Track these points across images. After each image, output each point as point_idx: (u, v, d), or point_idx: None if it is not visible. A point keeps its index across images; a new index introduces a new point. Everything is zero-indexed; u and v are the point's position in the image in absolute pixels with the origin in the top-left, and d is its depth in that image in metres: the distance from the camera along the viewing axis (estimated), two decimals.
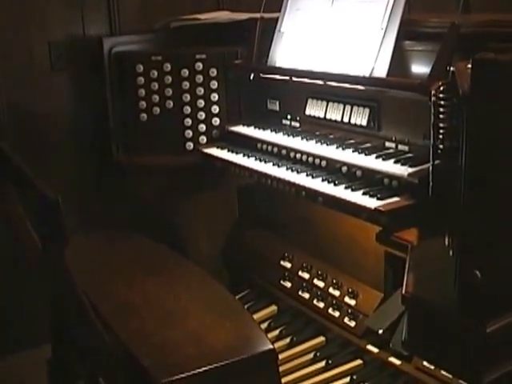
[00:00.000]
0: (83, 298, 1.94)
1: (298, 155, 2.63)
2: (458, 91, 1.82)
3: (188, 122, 3.09)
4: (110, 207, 3.32)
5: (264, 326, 3.01)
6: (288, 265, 3.09)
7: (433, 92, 2.00)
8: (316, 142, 2.60)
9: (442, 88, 1.99)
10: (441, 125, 1.96)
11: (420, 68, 2.38)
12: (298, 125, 2.90)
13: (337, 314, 2.81)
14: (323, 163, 2.52)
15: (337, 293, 2.84)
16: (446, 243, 1.93)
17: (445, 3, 3.70)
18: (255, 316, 3.03)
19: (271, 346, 2.07)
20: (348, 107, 2.59)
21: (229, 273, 3.35)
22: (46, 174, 1.91)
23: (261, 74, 2.94)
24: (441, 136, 1.97)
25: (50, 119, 3.27)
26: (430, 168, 2.02)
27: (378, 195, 2.17)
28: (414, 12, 3.48)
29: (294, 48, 2.81)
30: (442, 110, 1.97)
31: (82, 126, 3.33)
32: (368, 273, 2.72)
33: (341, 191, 2.27)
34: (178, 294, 2.39)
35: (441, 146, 1.96)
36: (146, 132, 3.13)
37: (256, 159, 2.74)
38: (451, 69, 1.98)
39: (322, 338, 2.89)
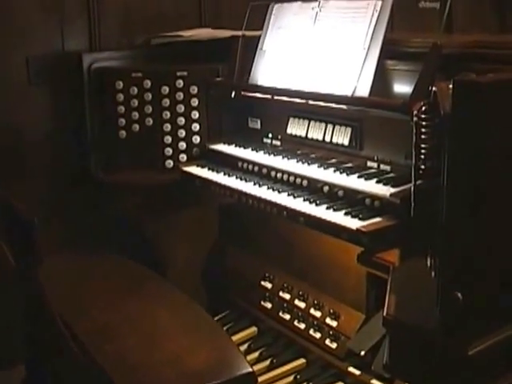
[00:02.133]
0: (58, 319, 1.92)
1: (279, 174, 2.63)
2: (439, 111, 1.84)
3: (168, 139, 3.08)
4: (87, 225, 3.29)
5: (244, 347, 3.00)
6: (269, 285, 3.09)
7: (415, 112, 2.02)
8: (297, 161, 2.61)
9: (423, 108, 2.02)
10: (422, 145, 1.98)
11: (402, 88, 2.40)
12: (279, 143, 2.91)
13: (318, 335, 2.81)
14: (305, 183, 2.52)
15: (318, 314, 2.84)
16: (428, 264, 1.94)
17: (428, 22, 3.75)
18: (235, 337, 3.02)
19: (250, 369, 2.07)
20: (330, 126, 2.61)
21: (208, 293, 3.33)
22: (21, 191, 1.90)
23: (242, 92, 2.94)
24: (422, 156, 1.99)
25: (27, 135, 3.25)
26: (412, 188, 2.03)
27: (360, 215, 2.18)
28: (397, 31, 3.52)
29: (276, 66, 2.82)
30: (423, 130, 1.99)
31: (59, 143, 3.31)
32: (350, 294, 2.72)
33: (322, 211, 2.28)
34: (156, 316, 2.38)
35: (422, 166, 1.98)
36: (125, 149, 3.12)
37: (237, 178, 2.74)
38: (433, 89, 2.01)
39: (302, 360, 2.88)
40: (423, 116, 2.00)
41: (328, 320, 2.78)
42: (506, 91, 1.67)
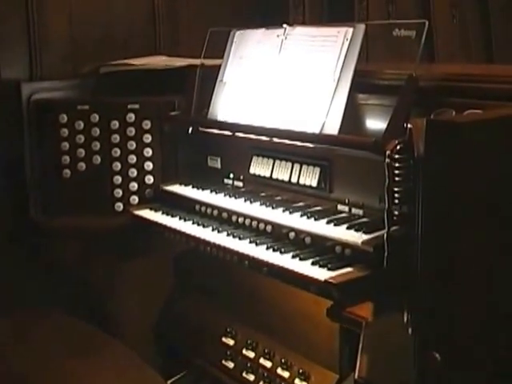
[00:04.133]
0: None
1: (241, 219, 2.65)
2: (414, 152, 1.88)
3: (118, 179, 3.10)
4: (24, 278, 3.26)
5: None
6: (231, 342, 3.08)
7: (388, 152, 2.04)
8: (261, 205, 2.64)
9: (397, 147, 2.03)
10: (396, 188, 2.01)
11: (375, 124, 2.45)
12: (241, 185, 2.93)
13: None
14: (268, 228, 2.54)
15: (286, 374, 2.83)
16: (405, 320, 1.96)
17: (407, 51, 3.81)
18: None
19: None
20: (296, 166, 2.64)
21: (162, 352, 3.31)
22: None
23: (200, 128, 2.97)
24: (396, 200, 2.02)
25: None
26: (385, 236, 2.06)
27: (329, 265, 2.19)
28: (371, 61, 3.58)
29: (238, 100, 2.86)
30: (397, 171, 2.02)
31: None
32: (321, 351, 2.73)
33: (287, 260, 2.29)
34: (104, 379, 2.36)
35: (396, 212, 2.01)
36: (69, 190, 3.13)
37: (193, 223, 2.75)
38: (408, 126, 2.03)
39: None
40: (397, 156, 2.02)
41: (297, 381, 2.77)
42: (483, 132, 1.71)
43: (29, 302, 2.94)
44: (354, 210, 2.47)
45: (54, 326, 2.76)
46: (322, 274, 2.16)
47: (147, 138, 3.09)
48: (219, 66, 2.98)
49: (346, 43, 2.51)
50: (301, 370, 2.77)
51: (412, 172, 1.95)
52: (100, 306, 3.19)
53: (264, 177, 2.78)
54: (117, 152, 3.10)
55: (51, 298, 3.03)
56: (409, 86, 2.28)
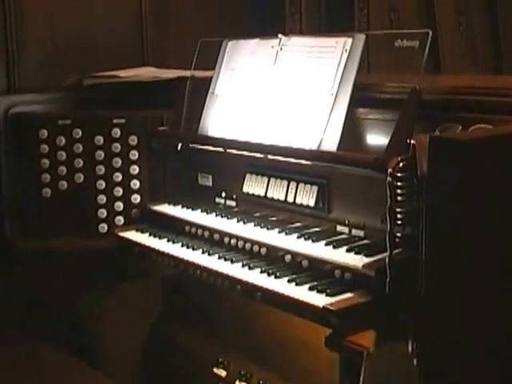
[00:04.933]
0: None
1: (234, 241, 2.66)
2: (417, 170, 1.89)
3: (102, 199, 3.10)
4: (1, 303, 3.25)
5: None
6: (223, 373, 3.07)
7: (389, 170, 2.05)
8: (255, 226, 2.65)
9: (400, 165, 2.05)
10: (398, 208, 2.02)
11: (376, 140, 2.46)
12: (234, 204, 2.94)
13: None
14: (263, 251, 2.55)
15: None
16: (410, 349, 1.96)
17: (410, 62, 3.81)
18: None
19: None
20: (293, 184, 2.65)
21: (150, 382, 3.31)
22: None
23: (190, 144, 2.98)
24: (399, 221, 2.03)
25: None
26: (387, 259, 2.06)
27: (328, 290, 2.20)
28: (372, 73, 3.59)
29: (230, 114, 2.88)
30: (399, 191, 2.03)
31: None
32: (320, 382, 2.72)
33: (283, 285, 2.30)
34: None
35: (399, 234, 2.02)
36: (49, 211, 3.12)
37: (183, 245, 2.76)
38: (411, 142, 2.04)
39: None
40: (399, 174, 2.04)
41: None
42: (490, 149, 1.72)
43: (7, 333, 2.93)
44: (354, 232, 2.48)
45: (30, 356, 2.75)
46: (320, 299, 2.17)
47: (134, 155, 3.09)
48: (210, 78, 3.00)
49: (345, 54, 2.54)
50: None
51: (415, 191, 1.97)
52: (83, 333, 3.18)
53: (258, 196, 2.78)
54: (101, 169, 3.10)
55: (28, 326, 3.02)
56: (412, 100, 2.29)
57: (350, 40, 2.55)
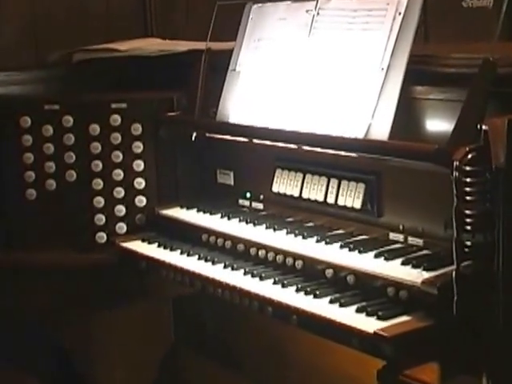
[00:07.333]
0: None
1: (262, 252, 2.66)
2: (491, 162, 1.88)
3: (99, 202, 3.10)
4: None
5: None
6: None
7: (456, 163, 2.04)
8: (287, 233, 2.64)
9: (469, 157, 2.03)
10: (468, 211, 2.01)
11: (438, 125, 2.45)
12: (261, 207, 2.95)
13: None
14: (298, 264, 2.54)
15: None
16: None
17: (479, 27, 3.78)
18: None
19: None
20: (334, 182, 2.64)
21: None
22: None
23: (207, 133, 2.99)
24: (468, 227, 2.01)
25: None
26: (454, 273, 2.05)
27: (379, 313, 2.19)
28: (433, 43, 3.56)
29: (256, 95, 2.88)
30: (468, 189, 2.01)
31: None
32: None
33: (324, 307, 2.29)
34: None
35: (468, 242, 2.00)
36: (35, 217, 3.14)
37: (200, 258, 2.76)
38: (483, 127, 2.03)
39: None
40: (468, 168, 2.02)
41: None
42: None
43: None
44: (410, 240, 2.47)
45: None
46: (370, 324, 2.16)
47: (138, 147, 3.10)
48: (231, 52, 3.00)
49: (399, 19, 2.52)
50: None
51: (489, 189, 1.96)
52: (77, 364, 3.19)
53: (291, 196, 2.78)
54: (98, 165, 3.11)
55: (12, 356, 3.04)
56: (484, 75, 2.26)
57: (404, 1, 2.53)
